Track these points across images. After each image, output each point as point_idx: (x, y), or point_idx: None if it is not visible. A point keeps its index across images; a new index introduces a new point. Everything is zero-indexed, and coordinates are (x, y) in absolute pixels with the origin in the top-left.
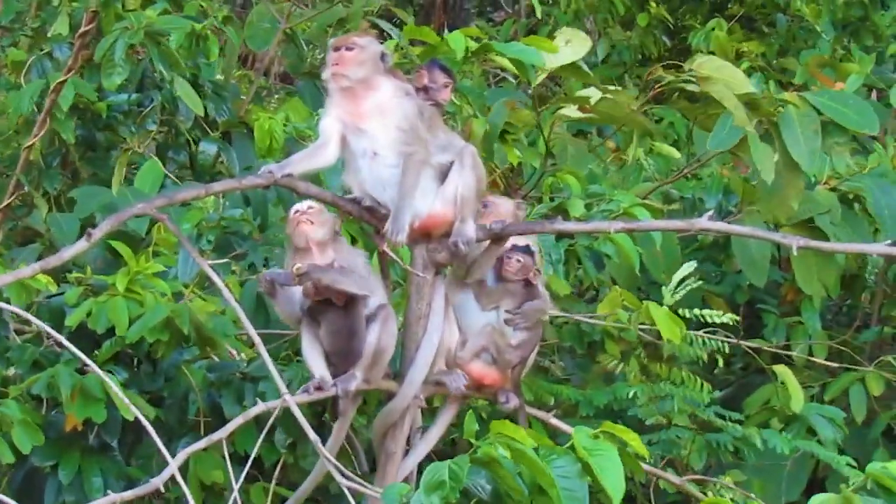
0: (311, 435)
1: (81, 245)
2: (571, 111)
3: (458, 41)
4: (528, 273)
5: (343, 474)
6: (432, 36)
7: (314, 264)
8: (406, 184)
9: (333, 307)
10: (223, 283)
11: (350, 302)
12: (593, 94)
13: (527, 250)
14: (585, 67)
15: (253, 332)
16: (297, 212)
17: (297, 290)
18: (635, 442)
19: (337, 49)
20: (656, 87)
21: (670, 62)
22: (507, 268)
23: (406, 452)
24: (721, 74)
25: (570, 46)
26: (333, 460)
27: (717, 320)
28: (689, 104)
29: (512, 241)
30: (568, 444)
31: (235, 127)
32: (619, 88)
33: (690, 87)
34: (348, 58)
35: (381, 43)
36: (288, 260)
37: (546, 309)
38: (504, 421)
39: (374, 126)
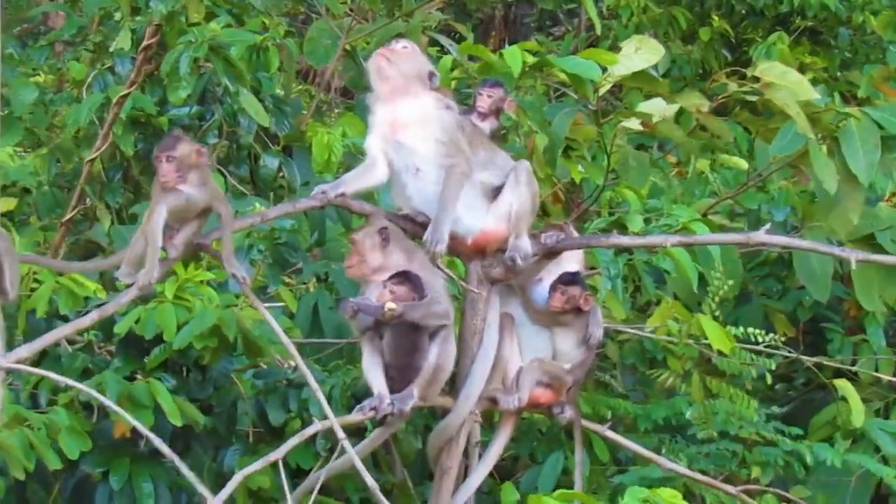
0: (365, 473)
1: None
2: (633, 124)
3: (515, 57)
4: (576, 303)
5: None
6: (487, 53)
7: (408, 305)
8: (446, 195)
9: (401, 322)
10: (270, 297)
11: None
12: (656, 107)
13: (572, 281)
14: (656, 74)
15: (292, 348)
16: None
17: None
18: None
19: (384, 52)
20: (718, 98)
21: (732, 70)
22: (553, 303)
23: (463, 467)
24: (784, 81)
25: (641, 54)
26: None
27: (761, 339)
28: (750, 116)
29: (558, 270)
30: None
31: (296, 141)
32: (692, 91)
33: (752, 98)
34: (397, 54)
35: (440, 58)
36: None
37: (601, 334)
38: (542, 496)
39: (413, 138)
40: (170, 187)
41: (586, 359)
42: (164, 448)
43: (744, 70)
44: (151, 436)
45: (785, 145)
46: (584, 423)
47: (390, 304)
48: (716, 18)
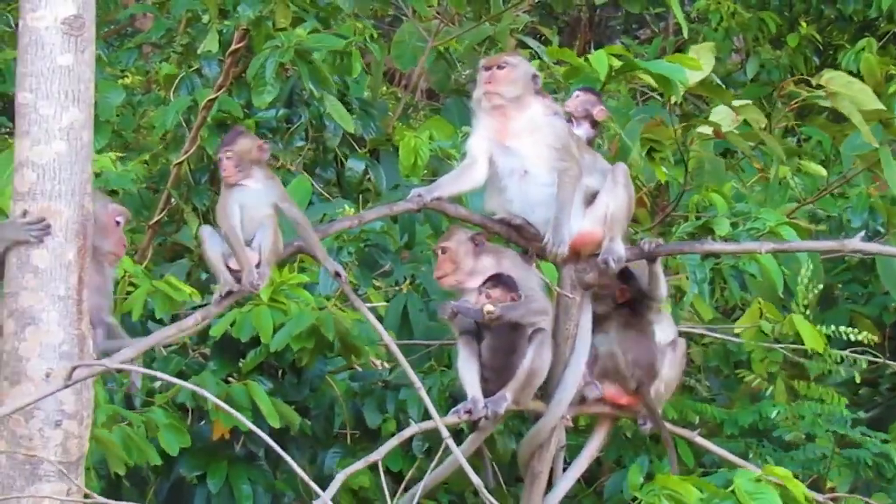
0: (461, 459)
1: None
2: (709, 130)
3: (601, 61)
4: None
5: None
6: (574, 57)
7: (506, 306)
8: (563, 197)
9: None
10: (361, 298)
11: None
12: (725, 114)
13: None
14: (718, 80)
15: (394, 346)
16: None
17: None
18: (796, 487)
19: (488, 68)
20: (792, 103)
21: (801, 78)
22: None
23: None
24: (849, 91)
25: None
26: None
27: (853, 338)
28: (826, 122)
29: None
30: (730, 489)
31: (383, 144)
32: (749, 103)
33: (822, 103)
34: (500, 77)
35: (529, 61)
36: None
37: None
38: (668, 475)
39: (524, 144)
40: (231, 182)
41: (638, 359)
42: (274, 445)
43: (810, 78)
44: (260, 433)
45: (857, 146)
46: (672, 427)
47: (489, 307)
48: (804, 24)
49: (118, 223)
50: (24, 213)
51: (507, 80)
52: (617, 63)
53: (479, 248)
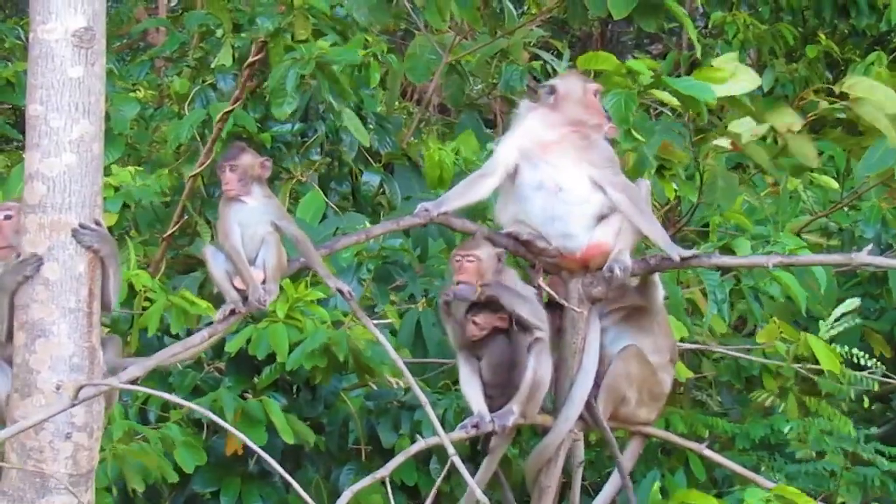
0: (467, 477)
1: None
2: (725, 142)
3: (642, 69)
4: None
5: None
6: (612, 61)
7: (499, 281)
8: (646, 216)
9: (496, 339)
10: (378, 315)
11: (513, 333)
12: (746, 127)
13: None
14: (747, 101)
15: (403, 367)
16: (459, 258)
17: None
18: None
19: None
20: (809, 116)
21: (819, 87)
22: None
23: (565, 486)
24: (873, 95)
25: (738, 81)
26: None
27: (865, 363)
28: (842, 134)
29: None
30: None
31: (398, 159)
32: (783, 106)
33: (840, 115)
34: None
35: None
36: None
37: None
38: (691, 490)
39: (565, 160)
40: (232, 195)
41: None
42: (277, 467)
43: (832, 86)
44: (265, 455)
45: (874, 163)
46: (682, 440)
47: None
48: (823, 37)
49: (8, 218)
50: (18, 256)
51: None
52: (647, 77)
53: (500, 265)
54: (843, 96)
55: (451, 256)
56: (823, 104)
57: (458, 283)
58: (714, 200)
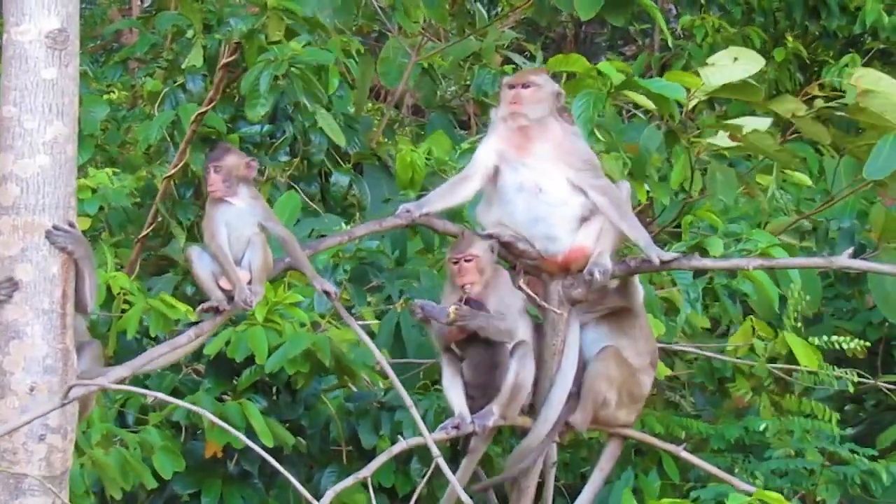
0: (450, 476)
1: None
2: (721, 139)
3: (612, 71)
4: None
5: None
6: (583, 64)
7: (469, 310)
8: (628, 218)
9: (478, 340)
10: (355, 317)
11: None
12: (745, 122)
13: None
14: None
15: (389, 369)
16: (455, 261)
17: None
18: None
19: (512, 87)
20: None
21: (819, 84)
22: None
23: (539, 487)
24: (881, 87)
25: (740, 64)
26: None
27: (846, 346)
28: (840, 133)
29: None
30: None
31: (367, 159)
32: (786, 95)
33: (840, 113)
34: (526, 96)
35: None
36: (446, 290)
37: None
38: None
39: (543, 163)
40: (217, 197)
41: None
42: (270, 459)
43: (824, 82)
44: (259, 450)
45: (880, 165)
46: (658, 442)
47: (453, 307)
48: (790, 39)
49: None
50: None
51: (532, 101)
52: (618, 78)
53: (494, 256)
54: (840, 93)
55: (447, 262)
56: (820, 102)
57: (461, 286)
58: (715, 195)
